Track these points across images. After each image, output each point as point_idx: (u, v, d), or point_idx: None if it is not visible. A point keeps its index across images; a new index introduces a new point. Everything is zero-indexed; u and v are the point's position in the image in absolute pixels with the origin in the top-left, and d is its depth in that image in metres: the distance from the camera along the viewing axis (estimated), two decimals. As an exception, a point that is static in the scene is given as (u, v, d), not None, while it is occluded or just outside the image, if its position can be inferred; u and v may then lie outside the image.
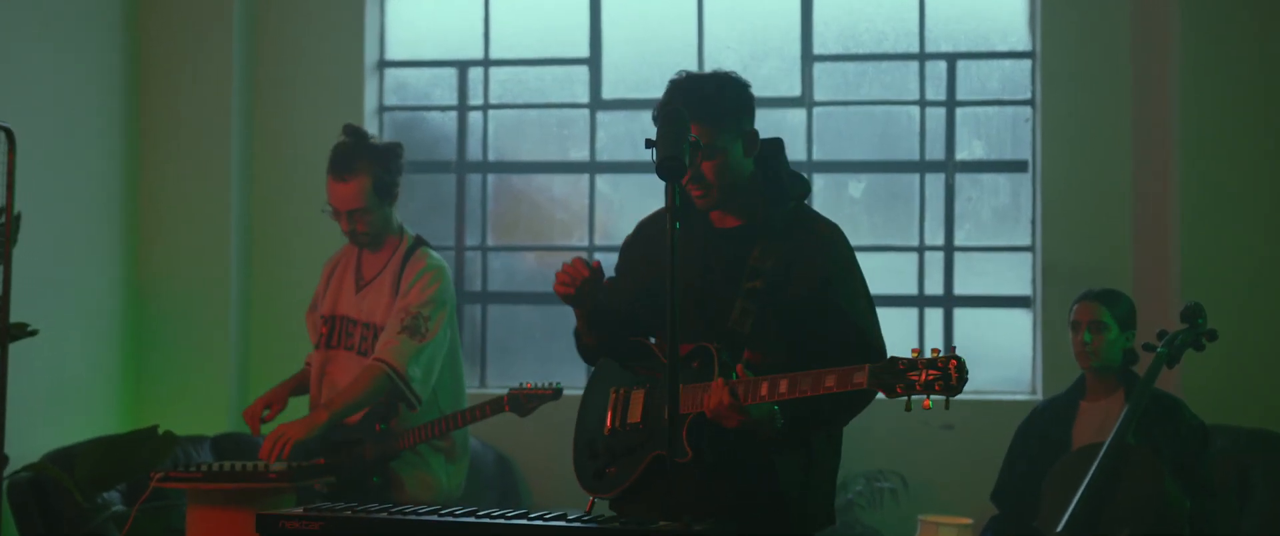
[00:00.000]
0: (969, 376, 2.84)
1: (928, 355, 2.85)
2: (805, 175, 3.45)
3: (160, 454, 4.69)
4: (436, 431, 4.56)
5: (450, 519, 2.96)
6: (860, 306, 3.35)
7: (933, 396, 2.82)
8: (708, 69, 6.60)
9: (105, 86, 6.46)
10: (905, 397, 2.85)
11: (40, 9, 5.99)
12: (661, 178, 2.95)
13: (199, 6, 6.66)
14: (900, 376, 2.85)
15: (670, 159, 2.94)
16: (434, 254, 4.69)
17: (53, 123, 6.02)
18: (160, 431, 4.80)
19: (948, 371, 2.81)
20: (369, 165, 4.51)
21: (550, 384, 4.56)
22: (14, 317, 4.36)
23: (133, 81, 6.62)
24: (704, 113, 3.25)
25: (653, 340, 3.51)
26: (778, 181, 3.40)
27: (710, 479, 3.20)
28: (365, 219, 4.56)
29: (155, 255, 6.65)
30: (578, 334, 3.55)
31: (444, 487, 4.69)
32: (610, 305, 3.50)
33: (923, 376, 2.82)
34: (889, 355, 3.26)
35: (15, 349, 4.45)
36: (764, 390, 3.05)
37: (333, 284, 4.78)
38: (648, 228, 3.59)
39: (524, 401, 4.53)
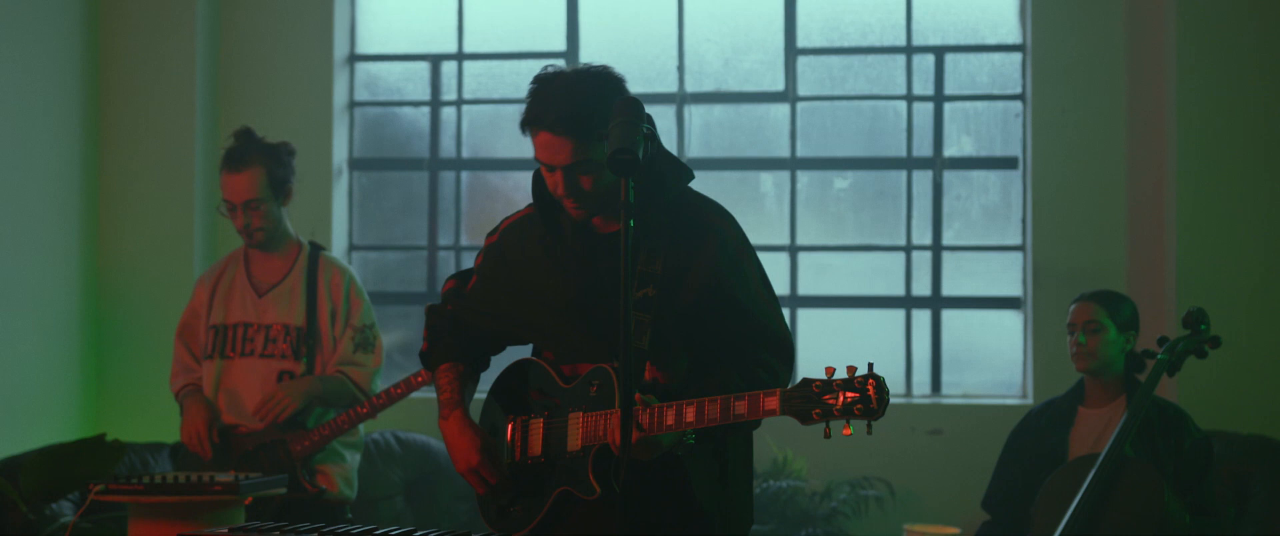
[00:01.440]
0: (890, 397, 2.64)
1: (843, 375, 2.65)
2: (688, 165, 3.19)
3: (108, 463, 4.47)
4: (368, 412, 4.58)
5: (387, 540, 2.78)
6: (757, 296, 3.10)
7: (853, 421, 2.63)
8: (690, 65, 6.56)
9: (63, 79, 6.24)
10: (823, 424, 2.66)
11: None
12: (613, 173, 2.73)
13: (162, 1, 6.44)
14: (815, 400, 2.65)
15: (622, 152, 2.72)
16: (340, 260, 4.84)
17: (5, 116, 5.80)
18: (108, 439, 4.59)
19: (866, 393, 2.61)
20: (262, 158, 4.58)
21: None
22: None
23: (92, 74, 6.40)
24: (576, 128, 2.93)
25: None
26: (656, 171, 3.06)
27: (624, 507, 2.90)
28: (260, 211, 4.58)
29: (116, 254, 6.44)
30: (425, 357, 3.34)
31: (354, 480, 4.72)
32: (474, 322, 3.30)
33: (840, 399, 2.62)
34: (794, 344, 3.13)
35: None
36: (671, 419, 2.84)
37: (218, 295, 4.74)
38: (513, 235, 3.26)
39: None
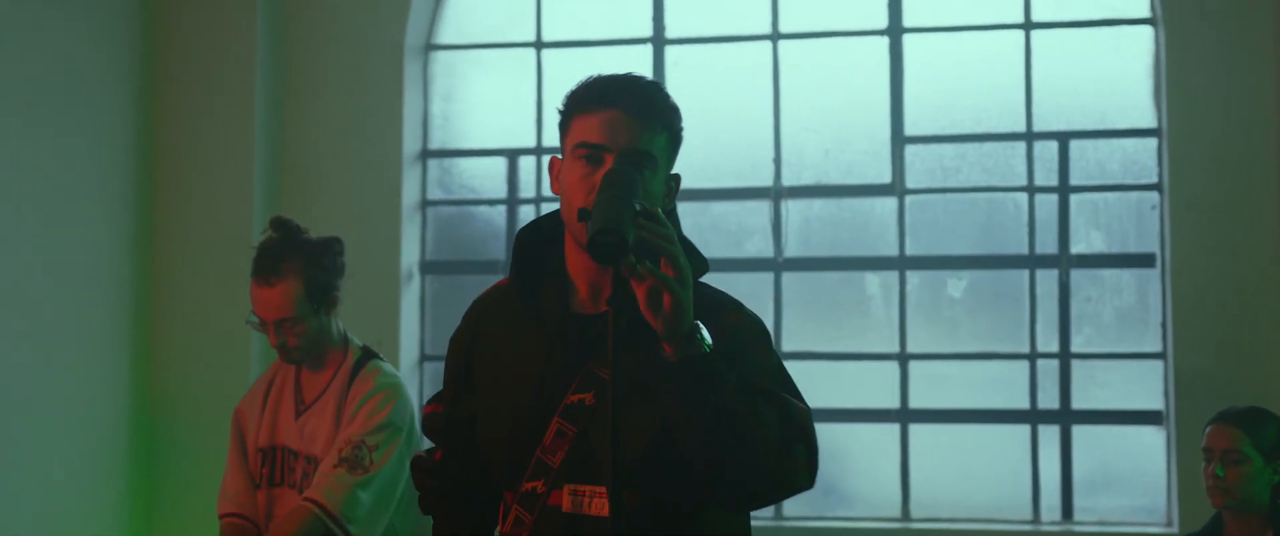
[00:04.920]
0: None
1: None
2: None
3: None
4: None
5: None
6: (776, 385, 2.48)
7: None
8: (787, 156, 6.05)
9: (114, 173, 5.84)
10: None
11: (43, 88, 5.37)
12: (596, 259, 2.17)
13: (220, 92, 6.04)
14: None
15: (606, 233, 2.16)
16: (388, 368, 4.01)
17: (52, 218, 5.41)
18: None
19: None
20: (300, 266, 3.86)
21: None
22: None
23: (145, 166, 6.00)
24: (633, 103, 2.44)
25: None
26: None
27: None
28: (297, 330, 3.87)
29: (169, 369, 5.98)
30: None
31: None
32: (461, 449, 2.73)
33: None
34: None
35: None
36: None
37: (268, 408, 4.04)
38: (487, 313, 2.67)
39: None
